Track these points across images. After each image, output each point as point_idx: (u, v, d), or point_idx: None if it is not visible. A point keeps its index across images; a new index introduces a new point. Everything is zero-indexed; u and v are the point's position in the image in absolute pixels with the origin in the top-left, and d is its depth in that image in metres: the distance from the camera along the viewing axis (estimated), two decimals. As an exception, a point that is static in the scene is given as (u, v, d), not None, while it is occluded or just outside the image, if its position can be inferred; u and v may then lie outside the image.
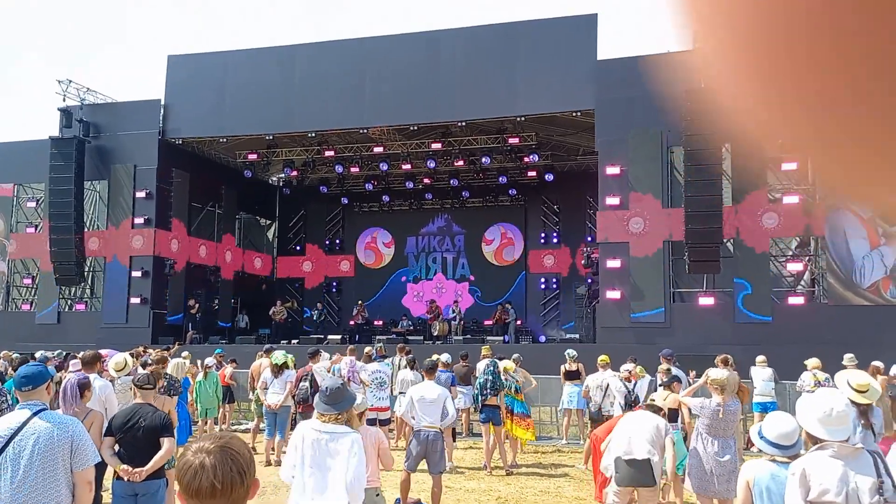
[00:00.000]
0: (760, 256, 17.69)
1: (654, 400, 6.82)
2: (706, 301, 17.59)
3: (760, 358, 12.75)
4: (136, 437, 5.71)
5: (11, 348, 15.53)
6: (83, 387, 6.01)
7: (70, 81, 21.96)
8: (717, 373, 6.72)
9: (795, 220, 17.66)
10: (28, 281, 23.61)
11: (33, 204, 23.51)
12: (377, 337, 21.66)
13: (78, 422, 4.33)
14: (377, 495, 5.59)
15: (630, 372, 10.58)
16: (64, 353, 12.99)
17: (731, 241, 17.72)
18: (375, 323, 25.63)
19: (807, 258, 18.72)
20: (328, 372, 11.17)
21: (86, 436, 4.22)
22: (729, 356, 11.19)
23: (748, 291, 17.36)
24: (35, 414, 4.13)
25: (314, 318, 25.72)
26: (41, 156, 21.45)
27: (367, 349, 13.71)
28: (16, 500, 3.92)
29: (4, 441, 4.01)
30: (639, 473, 6.26)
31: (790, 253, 19.20)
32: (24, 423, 4.07)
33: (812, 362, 12.00)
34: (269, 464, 11.06)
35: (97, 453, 4.31)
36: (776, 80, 0.50)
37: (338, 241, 29.17)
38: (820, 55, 0.48)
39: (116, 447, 5.76)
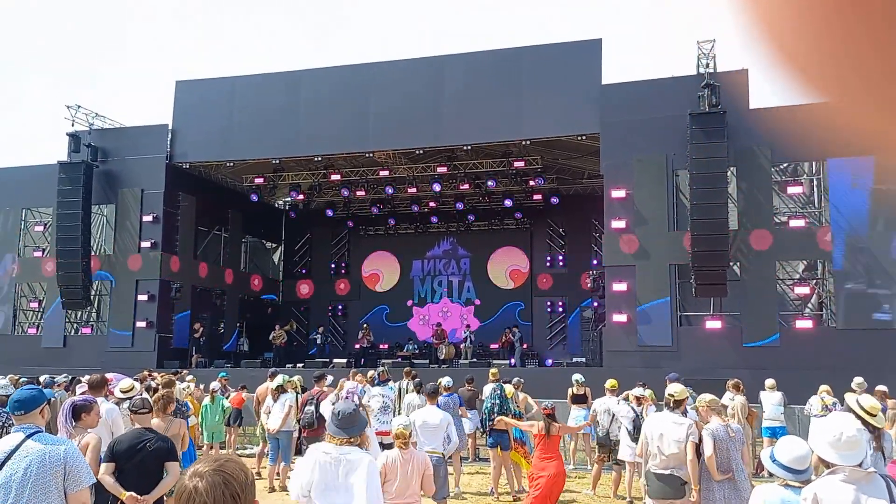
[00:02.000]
0: (767, 280, 17.62)
1: (672, 395, 6.69)
2: (713, 325, 17.51)
3: (770, 382, 12.62)
4: (141, 463, 5.65)
5: (17, 372, 15.52)
6: (78, 409, 5.88)
7: (79, 106, 22.18)
8: (706, 395, 6.65)
9: (802, 244, 17.63)
10: (34, 305, 23.66)
11: (41, 228, 23.61)
12: (382, 360, 21.60)
13: (71, 443, 4.29)
14: None
15: (641, 396, 10.49)
16: (70, 377, 13.00)
17: (738, 264, 17.67)
18: (381, 346, 25.57)
19: (814, 281, 18.65)
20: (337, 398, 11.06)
21: (79, 457, 4.16)
22: (739, 381, 11.14)
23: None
24: (28, 437, 4.11)
25: (317, 341, 25.68)
26: (49, 180, 21.59)
27: (370, 373, 13.66)
28: None
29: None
30: (668, 487, 6.32)
31: (797, 276, 19.14)
32: (18, 447, 4.05)
33: (822, 387, 11.94)
34: (272, 490, 10.98)
35: (92, 475, 4.26)
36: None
37: (343, 265, 29.19)
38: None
39: (115, 473, 5.71)
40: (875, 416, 5.28)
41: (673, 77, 18.81)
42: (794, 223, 17.72)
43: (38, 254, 23.50)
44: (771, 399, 12.40)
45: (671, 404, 6.64)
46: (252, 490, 1.91)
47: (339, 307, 28.83)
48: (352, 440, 4.58)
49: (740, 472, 6.11)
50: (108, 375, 8.50)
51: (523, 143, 20.19)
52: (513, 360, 21.89)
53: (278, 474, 11.19)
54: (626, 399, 10.50)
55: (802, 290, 18.20)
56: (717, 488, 6.07)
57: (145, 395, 6.74)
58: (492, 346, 24.52)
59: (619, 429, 10.60)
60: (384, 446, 11.10)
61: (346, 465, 4.52)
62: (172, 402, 7.68)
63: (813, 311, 18.52)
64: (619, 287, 18.18)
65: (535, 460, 8.51)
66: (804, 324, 17.44)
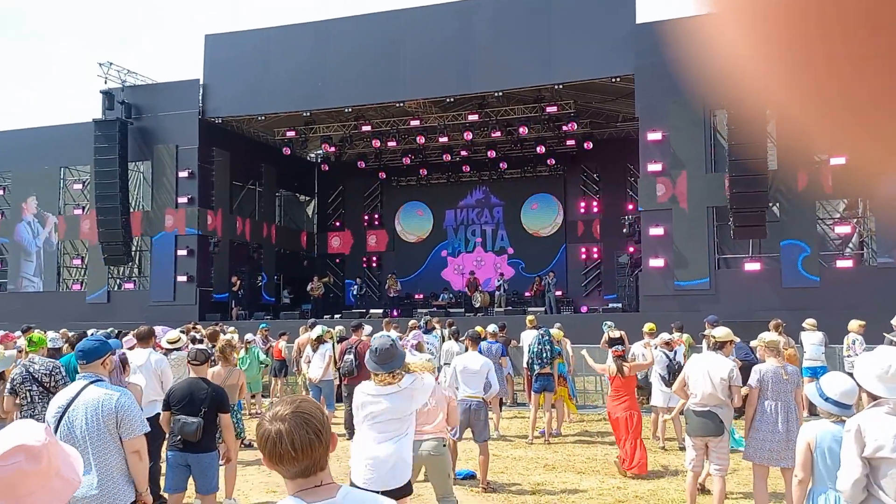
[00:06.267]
0: (808, 219, 17.33)
1: (714, 336, 6.80)
2: (752, 266, 17.33)
3: (810, 321, 12.45)
4: (192, 412, 5.85)
5: (63, 328, 15.94)
6: (124, 362, 6.18)
7: (111, 64, 22.30)
8: (769, 335, 6.64)
9: (843, 182, 17.23)
10: (77, 262, 24.21)
11: (80, 186, 24.03)
12: (418, 310, 21.81)
13: (126, 392, 4.45)
14: (444, 445, 5.74)
15: (671, 340, 10.50)
16: (116, 332, 13.33)
17: (778, 204, 17.38)
18: (416, 297, 25.76)
19: (854, 220, 18.30)
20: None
21: (133, 406, 4.33)
22: (780, 321, 11.03)
23: (807, 253, 17.05)
24: (88, 384, 4.31)
25: (354, 292, 25.97)
26: (86, 138, 21.88)
27: (411, 322, 13.85)
28: None
29: (63, 410, 4.21)
30: (706, 424, 6.45)
31: (837, 215, 18.78)
32: (78, 393, 4.26)
33: (851, 324, 11.78)
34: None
35: (146, 424, 4.43)
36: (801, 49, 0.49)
37: (376, 216, 29.30)
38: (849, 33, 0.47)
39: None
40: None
41: (709, 14, 18.26)
42: (834, 161, 17.29)
43: (78, 211, 23.95)
44: (811, 339, 12.27)
45: (714, 346, 6.73)
46: (329, 425, 2.00)
47: (374, 258, 29.04)
48: (393, 375, 4.66)
49: (791, 413, 6.09)
50: (157, 328, 8.72)
51: (555, 87, 19.86)
52: (547, 308, 21.87)
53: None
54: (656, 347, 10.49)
55: (843, 230, 17.87)
56: (765, 427, 6.07)
57: (202, 347, 6.90)
58: (525, 293, 24.56)
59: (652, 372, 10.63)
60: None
61: (386, 404, 4.67)
62: (234, 350, 7.96)
63: (854, 250, 18.20)
64: (656, 231, 18.02)
65: (609, 401, 8.97)
66: (844, 263, 17.19)
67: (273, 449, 1.90)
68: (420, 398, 4.85)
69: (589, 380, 15.21)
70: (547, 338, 11.09)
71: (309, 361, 11.66)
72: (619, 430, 8.62)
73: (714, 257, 17.73)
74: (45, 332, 12.53)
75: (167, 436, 6.05)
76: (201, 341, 10.02)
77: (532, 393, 11.09)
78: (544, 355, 10.86)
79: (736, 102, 16.21)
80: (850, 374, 4.19)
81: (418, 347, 8.87)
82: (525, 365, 11.85)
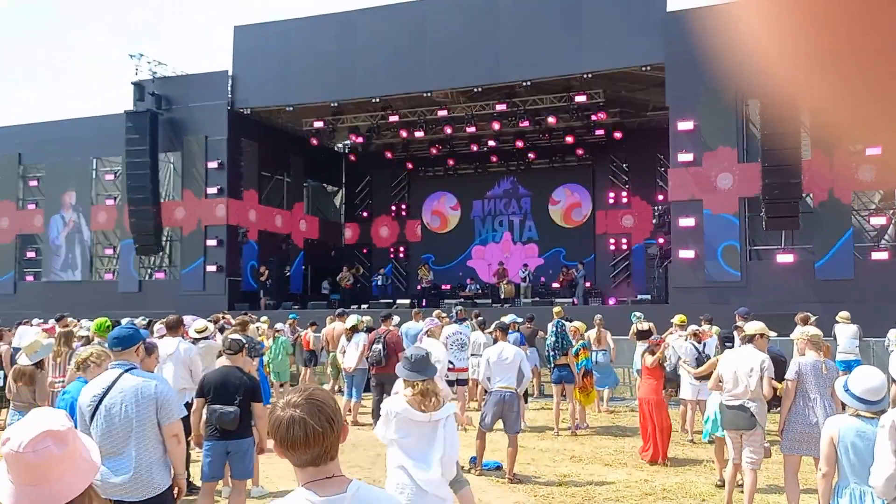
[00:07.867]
0: (842, 211, 17.01)
1: (746, 330, 6.80)
2: (784, 258, 17.06)
3: (843, 314, 12.22)
4: (227, 401, 5.89)
5: (96, 317, 16.16)
6: (149, 350, 6.17)
7: (141, 55, 22.52)
8: (812, 329, 6.55)
9: (879, 172, 16.87)
10: (109, 251, 24.56)
11: (111, 177, 24.35)
12: (445, 301, 21.80)
13: (162, 378, 4.52)
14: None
15: (700, 331, 10.39)
16: (147, 320, 13.54)
17: (811, 195, 17.07)
18: (443, 287, 25.77)
19: (891, 212, 17.92)
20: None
21: (169, 392, 4.43)
22: (809, 314, 10.84)
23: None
24: (124, 372, 4.38)
25: (378, 283, 26.06)
26: (117, 129, 22.16)
27: (435, 312, 13.83)
28: (111, 452, 4.15)
29: (98, 399, 4.28)
30: (739, 417, 6.47)
31: (873, 207, 18.41)
32: (114, 382, 4.32)
33: None
34: (344, 424, 11.29)
35: (183, 408, 4.51)
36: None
37: (404, 207, 29.31)
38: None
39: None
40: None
41: (740, 1, 17.95)
42: (870, 151, 16.93)
43: (110, 202, 24.29)
44: (845, 332, 12.04)
45: (744, 339, 6.70)
46: (340, 413, 2.01)
47: (401, 249, 29.08)
48: (432, 403, 4.47)
49: (829, 408, 6.00)
50: (186, 318, 8.82)
51: (584, 76, 19.65)
52: (575, 299, 21.77)
53: (349, 410, 11.50)
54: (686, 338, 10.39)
55: (879, 221, 17.52)
56: (802, 420, 6.00)
57: (237, 336, 6.91)
58: (553, 284, 24.45)
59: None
60: (460, 382, 11.43)
61: (429, 424, 4.51)
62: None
63: (890, 241, 17.84)
64: (686, 222, 17.80)
65: (639, 386, 9.43)
66: (880, 255, 16.86)
67: (286, 434, 1.90)
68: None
69: (617, 371, 15.09)
70: (555, 328, 11.06)
71: (344, 351, 11.73)
72: (643, 415, 8.87)
73: (746, 249, 17.49)
74: (79, 321, 12.75)
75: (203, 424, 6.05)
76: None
77: (553, 384, 11.08)
78: (556, 346, 10.85)
79: (768, 91, 15.95)
80: None
81: (430, 334, 8.85)
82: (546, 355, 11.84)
